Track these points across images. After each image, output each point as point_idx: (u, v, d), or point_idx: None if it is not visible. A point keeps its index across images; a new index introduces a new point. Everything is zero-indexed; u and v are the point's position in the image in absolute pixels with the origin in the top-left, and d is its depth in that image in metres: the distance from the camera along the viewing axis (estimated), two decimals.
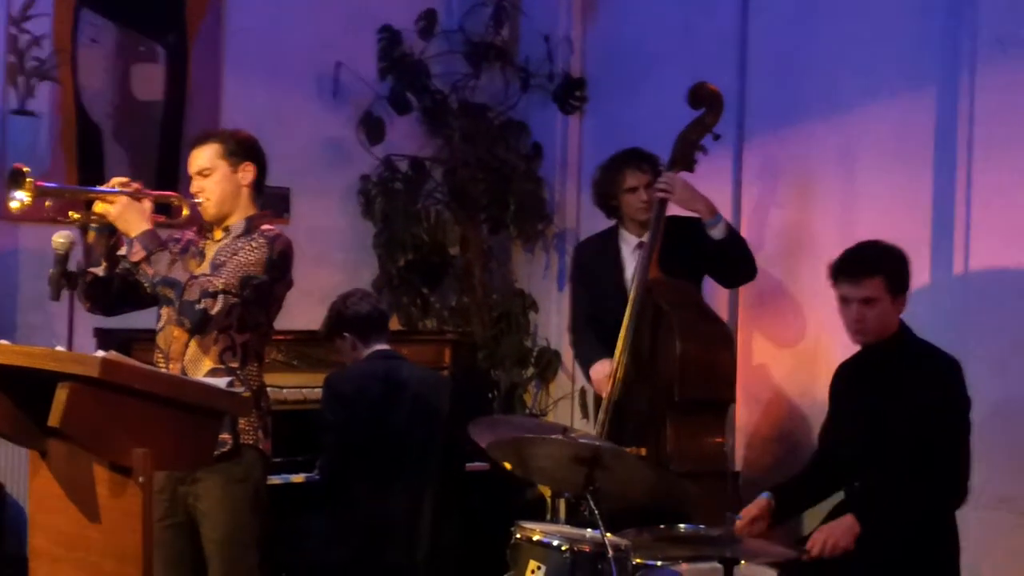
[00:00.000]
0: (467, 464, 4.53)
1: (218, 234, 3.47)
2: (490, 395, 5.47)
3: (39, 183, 3.23)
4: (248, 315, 3.36)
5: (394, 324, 5.05)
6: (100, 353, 2.82)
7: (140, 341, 4.24)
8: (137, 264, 3.26)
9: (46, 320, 4.63)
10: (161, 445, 2.83)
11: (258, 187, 3.48)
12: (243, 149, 3.45)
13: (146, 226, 3.27)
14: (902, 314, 3.48)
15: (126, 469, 2.80)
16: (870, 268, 3.39)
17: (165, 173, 5.28)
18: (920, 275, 4.05)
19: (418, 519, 4.14)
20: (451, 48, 5.63)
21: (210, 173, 3.42)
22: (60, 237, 3.29)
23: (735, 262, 4.23)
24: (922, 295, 4.03)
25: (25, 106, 4.97)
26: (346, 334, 4.23)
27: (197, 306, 3.23)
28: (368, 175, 5.57)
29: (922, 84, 4.11)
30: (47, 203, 3.30)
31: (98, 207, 3.30)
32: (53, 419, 2.73)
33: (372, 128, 5.48)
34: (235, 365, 3.36)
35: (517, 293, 5.69)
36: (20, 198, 3.23)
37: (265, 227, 3.44)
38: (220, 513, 3.32)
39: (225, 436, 3.30)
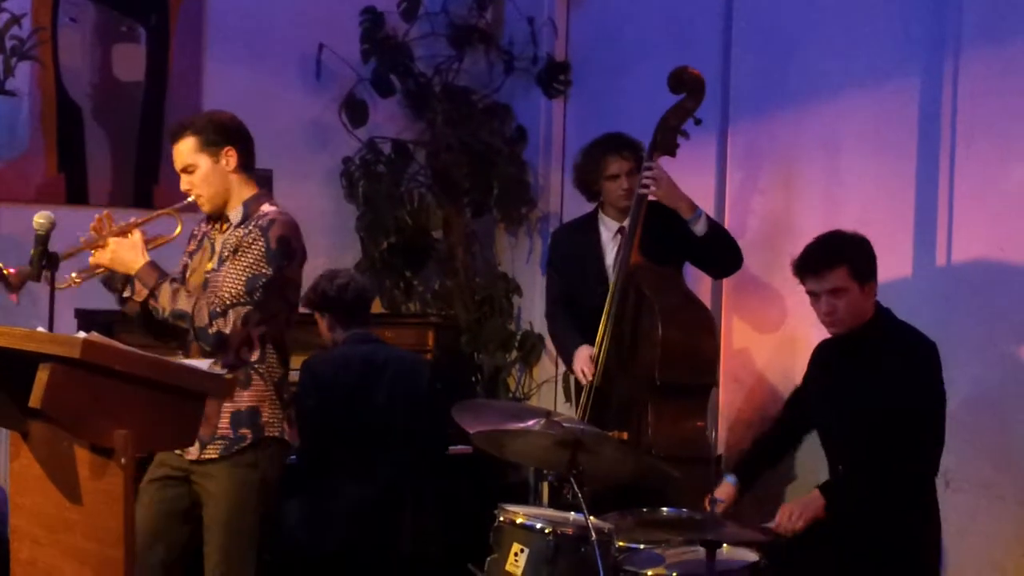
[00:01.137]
0: (450, 447, 4.53)
1: (224, 224, 3.42)
2: (473, 379, 5.47)
3: (22, 269, 3.19)
4: (264, 305, 3.30)
5: (377, 307, 5.04)
6: (82, 334, 2.81)
7: (122, 323, 4.23)
8: (144, 302, 3.27)
9: (27, 301, 4.59)
10: (143, 426, 2.82)
11: (246, 167, 3.41)
12: (220, 134, 3.36)
13: (142, 260, 3.26)
14: (877, 297, 3.50)
15: (108, 450, 2.79)
16: (832, 259, 3.40)
17: (146, 154, 5.26)
18: (903, 263, 4.07)
19: (400, 503, 4.14)
20: (434, 30, 5.61)
21: (194, 169, 3.36)
22: (41, 218, 3.27)
23: (719, 255, 4.23)
24: (905, 283, 4.05)
25: (5, 86, 4.93)
26: (325, 314, 4.22)
27: (210, 331, 3.22)
28: (351, 157, 5.54)
29: (906, 72, 4.11)
30: (46, 278, 3.23)
31: (92, 259, 3.29)
32: (34, 400, 2.72)
33: (355, 110, 5.46)
34: (253, 359, 3.32)
35: (500, 277, 5.68)
36: (17, 285, 3.21)
37: (262, 210, 3.37)
38: (225, 498, 3.29)
39: (244, 431, 3.29)
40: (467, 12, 5.61)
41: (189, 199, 3.38)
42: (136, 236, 3.29)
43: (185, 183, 3.39)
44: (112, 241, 3.27)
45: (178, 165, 3.40)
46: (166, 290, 3.25)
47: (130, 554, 2.78)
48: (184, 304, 3.23)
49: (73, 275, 3.29)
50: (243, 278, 3.26)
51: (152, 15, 5.29)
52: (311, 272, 4.39)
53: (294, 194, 5.45)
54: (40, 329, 2.96)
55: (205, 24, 5.36)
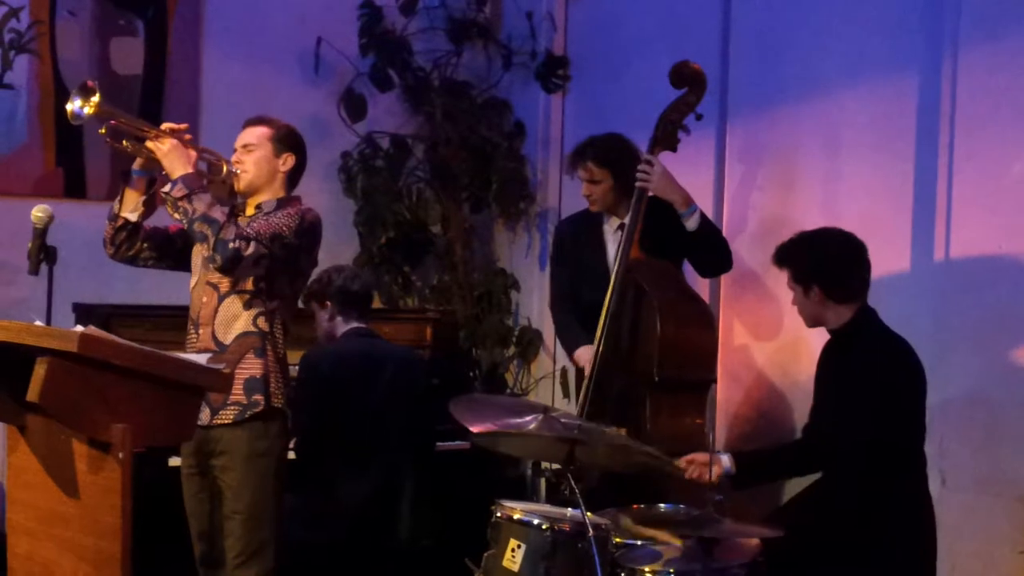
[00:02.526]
0: (448, 443, 4.52)
1: (250, 210, 3.59)
2: (471, 374, 5.46)
3: (105, 105, 3.35)
4: (275, 282, 3.49)
5: (375, 302, 5.02)
6: (79, 328, 2.81)
7: (120, 317, 4.24)
8: (177, 200, 3.35)
9: (24, 295, 4.59)
10: (140, 421, 2.83)
11: (293, 178, 3.63)
12: (291, 140, 3.62)
13: (190, 169, 3.41)
14: (869, 294, 3.49)
15: (105, 445, 2.80)
16: (779, 260, 3.57)
17: None
18: (901, 258, 4.07)
19: (397, 498, 4.13)
20: (433, 25, 5.60)
21: (253, 149, 3.58)
22: (39, 211, 3.30)
23: (708, 253, 4.23)
24: (902, 278, 4.05)
25: (2, 79, 4.92)
26: (328, 303, 4.21)
27: (231, 244, 3.33)
28: (349, 152, 5.53)
29: (905, 67, 4.11)
30: (102, 130, 3.41)
31: (149, 143, 3.42)
32: (32, 394, 2.72)
33: (353, 105, 5.45)
34: (266, 328, 3.48)
35: (499, 272, 5.68)
36: (80, 111, 3.31)
37: (295, 204, 3.59)
38: (242, 486, 3.42)
39: (258, 397, 3.43)
40: (466, 6, 5.60)
41: (233, 169, 3.57)
42: (192, 153, 3.45)
43: (236, 158, 3.59)
44: (175, 141, 3.42)
45: (241, 142, 3.61)
46: (205, 198, 3.38)
47: (127, 548, 2.78)
48: (217, 215, 3.36)
49: (126, 143, 3.45)
50: (271, 229, 3.44)
51: (150, 8, 5.27)
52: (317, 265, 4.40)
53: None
54: (38, 323, 2.96)
55: (203, 18, 5.35)
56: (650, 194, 4.13)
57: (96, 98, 3.31)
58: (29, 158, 5.00)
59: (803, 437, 3.67)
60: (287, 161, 3.60)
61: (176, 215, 3.39)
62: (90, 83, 3.34)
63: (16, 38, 4.94)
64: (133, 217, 3.49)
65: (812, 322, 3.56)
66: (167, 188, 3.39)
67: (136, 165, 3.50)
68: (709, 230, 4.19)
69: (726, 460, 3.54)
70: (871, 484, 3.31)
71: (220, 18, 5.35)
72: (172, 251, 3.59)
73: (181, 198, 3.35)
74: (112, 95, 5.16)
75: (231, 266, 3.36)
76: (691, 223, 4.11)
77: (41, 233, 3.28)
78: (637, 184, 4.12)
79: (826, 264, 3.47)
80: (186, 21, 5.31)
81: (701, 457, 3.53)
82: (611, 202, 4.25)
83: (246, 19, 5.39)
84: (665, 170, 4.12)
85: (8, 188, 4.92)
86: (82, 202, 4.94)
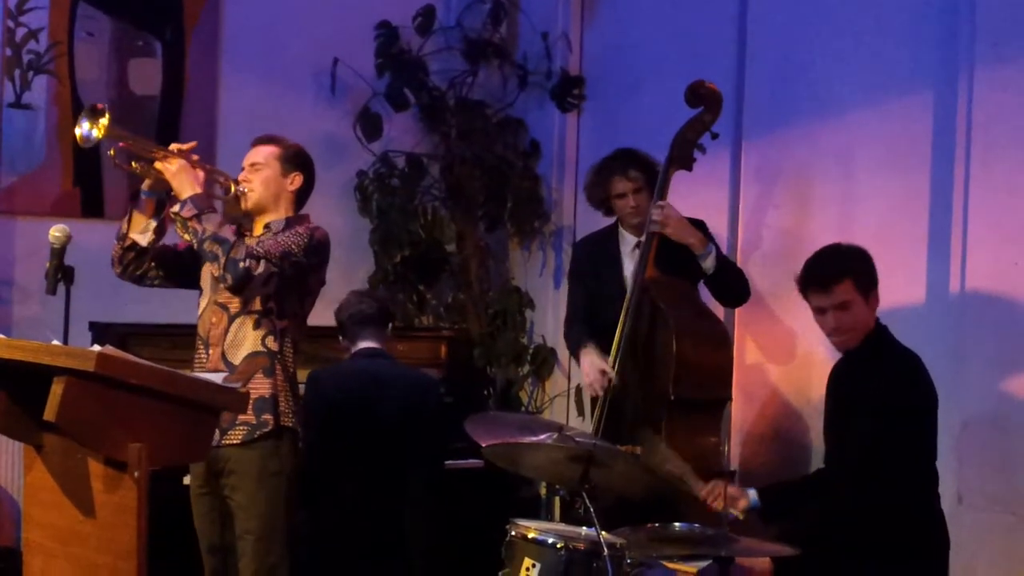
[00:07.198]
0: (462, 461, 4.52)
1: (258, 229, 3.61)
2: (486, 392, 5.46)
3: (114, 127, 3.36)
4: (286, 302, 3.51)
5: None
6: (96, 347, 2.82)
7: (136, 336, 4.26)
8: (187, 220, 3.37)
9: (42, 314, 4.62)
10: (157, 440, 2.83)
11: (300, 197, 3.66)
12: (298, 159, 3.65)
13: (199, 189, 3.43)
14: (883, 312, 3.48)
15: (121, 464, 2.81)
16: (837, 273, 3.38)
17: None
18: (917, 278, 4.06)
19: (408, 517, 4.13)
20: (449, 45, 5.62)
21: (261, 168, 3.61)
22: (56, 231, 3.32)
23: (726, 289, 4.23)
24: (918, 298, 4.04)
25: (22, 99, 4.97)
26: (340, 335, 4.25)
27: (241, 264, 3.35)
28: (365, 171, 5.56)
29: (920, 87, 4.11)
30: (111, 152, 3.45)
31: (157, 164, 3.45)
32: (48, 413, 2.74)
33: (369, 124, 5.47)
34: (275, 348, 3.49)
35: (513, 290, 5.68)
36: (88, 134, 3.33)
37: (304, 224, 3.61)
38: (254, 507, 3.43)
39: (267, 417, 3.44)
40: (481, 27, 5.62)
41: (241, 188, 3.58)
42: (200, 173, 3.47)
43: (244, 176, 3.61)
44: (183, 161, 3.44)
45: (249, 160, 3.63)
46: (215, 218, 3.42)
47: (143, 567, 2.79)
48: (227, 234, 3.39)
49: (134, 164, 3.47)
50: (280, 248, 3.46)
51: (168, 30, 5.32)
52: (326, 284, 4.41)
53: (308, 207, 5.43)
54: (55, 342, 2.98)
55: (220, 38, 5.39)
56: (663, 232, 4.12)
57: (105, 120, 3.32)
58: (47, 178, 5.04)
59: (826, 465, 3.62)
60: (295, 180, 3.62)
61: (186, 235, 3.41)
62: (99, 105, 3.36)
63: (35, 59, 4.98)
64: (144, 241, 3.52)
65: (860, 335, 3.40)
66: (176, 208, 3.41)
67: (144, 186, 3.52)
68: (726, 267, 4.18)
69: (752, 495, 3.46)
70: (878, 499, 3.29)
71: (237, 39, 5.39)
72: (180, 270, 3.61)
73: (191, 218, 3.37)
74: (130, 116, 5.24)
75: (242, 285, 3.38)
76: (708, 264, 4.09)
77: (59, 253, 3.30)
78: (649, 229, 4.10)
79: (874, 267, 3.44)
80: (204, 42, 5.35)
81: (733, 491, 3.43)
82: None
83: (263, 40, 5.43)
84: (680, 216, 4.10)
85: (26, 208, 4.96)
86: (99, 222, 4.97)
